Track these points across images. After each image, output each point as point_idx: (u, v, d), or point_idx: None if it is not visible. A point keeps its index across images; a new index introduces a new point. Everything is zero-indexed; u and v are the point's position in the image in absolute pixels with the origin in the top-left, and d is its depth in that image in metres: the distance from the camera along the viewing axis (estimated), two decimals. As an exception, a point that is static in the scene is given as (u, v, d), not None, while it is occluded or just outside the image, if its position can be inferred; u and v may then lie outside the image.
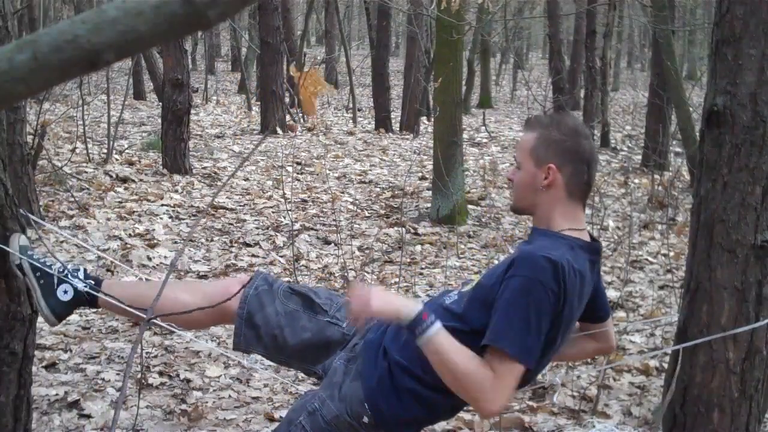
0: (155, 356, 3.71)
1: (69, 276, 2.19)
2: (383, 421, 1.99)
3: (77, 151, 7.74)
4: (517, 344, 1.83)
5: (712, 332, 1.99)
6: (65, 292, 2.17)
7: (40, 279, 2.15)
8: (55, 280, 2.17)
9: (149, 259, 5.08)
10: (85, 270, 2.25)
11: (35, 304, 2.11)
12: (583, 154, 2.01)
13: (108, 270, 4.78)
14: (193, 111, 8.95)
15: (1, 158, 2.08)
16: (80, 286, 2.19)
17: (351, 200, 7.23)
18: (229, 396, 3.38)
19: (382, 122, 12.14)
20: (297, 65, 13.77)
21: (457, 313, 1.98)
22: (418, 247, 5.86)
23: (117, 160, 7.81)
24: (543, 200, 2.02)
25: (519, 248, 1.98)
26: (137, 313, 2.17)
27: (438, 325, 1.86)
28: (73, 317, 4.07)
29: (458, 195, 6.56)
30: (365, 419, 1.99)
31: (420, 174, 8.53)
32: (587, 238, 2.03)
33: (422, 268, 5.38)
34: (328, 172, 8.31)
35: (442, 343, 1.85)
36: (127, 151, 8.47)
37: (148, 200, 6.55)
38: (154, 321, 2.25)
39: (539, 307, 1.83)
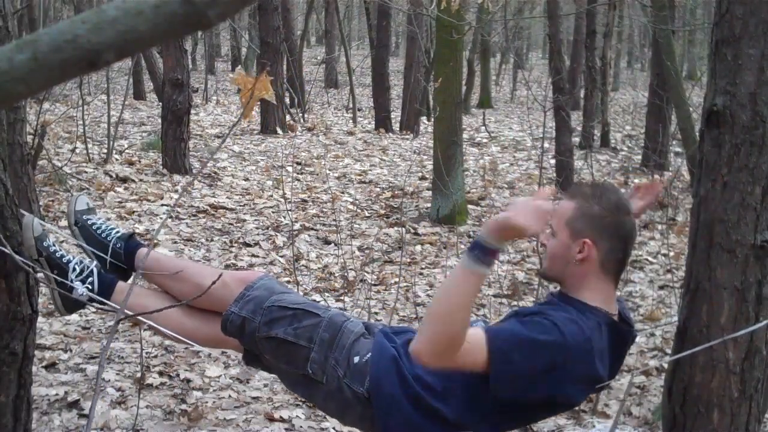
0: (155, 356, 3.71)
1: (75, 278, 2.28)
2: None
3: (77, 151, 7.74)
4: (499, 334, 1.83)
5: (712, 332, 1.99)
6: (81, 294, 2.27)
7: (54, 270, 2.28)
8: (70, 277, 2.28)
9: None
10: (98, 270, 2.34)
11: (36, 304, 2.12)
12: (622, 232, 1.96)
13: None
14: (193, 111, 8.94)
15: (1, 158, 2.08)
16: (79, 291, 2.26)
17: (351, 200, 7.23)
18: (229, 396, 3.38)
19: (382, 122, 12.13)
20: (297, 65, 13.77)
21: None
22: (418, 247, 5.86)
23: (117, 160, 7.81)
24: (574, 273, 1.97)
25: (556, 308, 1.94)
26: (151, 318, 2.20)
27: (478, 268, 1.76)
28: (73, 317, 4.07)
29: (458, 195, 6.56)
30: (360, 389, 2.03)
31: (420, 174, 8.53)
32: (616, 316, 1.99)
33: (422, 268, 5.38)
34: (328, 172, 8.31)
35: (466, 281, 1.78)
36: (127, 151, 8.46)
37: (148, 200, 6.55)
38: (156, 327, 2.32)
39: (545, 345, 1.82)
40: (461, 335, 1.76)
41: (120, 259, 2.43)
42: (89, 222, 2.44)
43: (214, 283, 1.66)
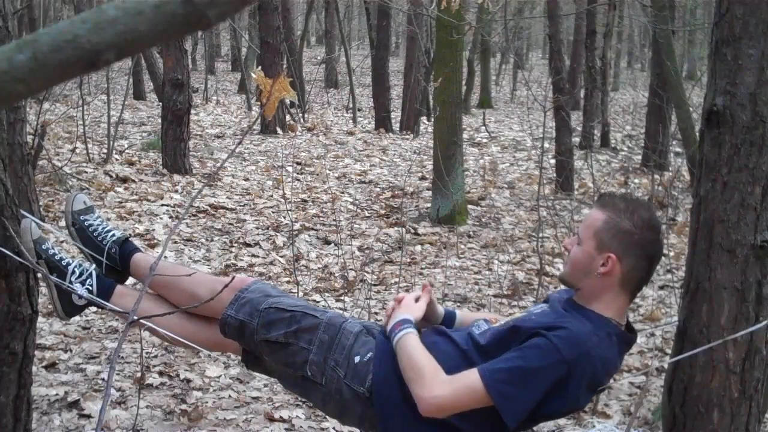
0: (155, 356, 3.70)
1: (75, 281, 2.29)
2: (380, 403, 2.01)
3: (77, 151, 7.74)
4: (495, 375, 1.84)
5: (712, 332, 1.99)
6: (80, 297, 2.29)
7: (53, 273, 2.28)
8: (70, 279, 2.29)
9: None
10: (97, 273, 2.35)
11: (35, 304, 2.12)
12: (649, 251, 1.93)
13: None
14: (193, 111, 8.94)
15: (1, 158, 2.08)
16: (79, 291, 2.27)
17: (351, 200, 7.23)
18: (229, 396, 3.38)
19: (382, 122, 12.13)
20: (296, 64, 13.77)
21: (480, 344, 2.00)
22: (418, 247, 5.86)
23: (117, 160, 7.81)
24: (593, 284, 1.95)
25: (562, 319, 1.93)
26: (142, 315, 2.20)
27: (405, 332, 1.99)
28: (74, 317, 4.07)
29: (458, 195, 6.56)
30: (361, 390, 2.04)
31: (420, 174, 8.53)
32: (624, 326, 1.99)
33: (422, 268, 5.38)
34: (328, 172, 8.31)
35: (406, 343, 1.96)
36: (127, 151, 8.46)
37: (148, 200, 6.55)
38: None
39: (543, 369, 1.83)
40: (427, 370, 1.91)
41: (116, 263, 2.44)
42: (86, 223, 2.44)
43: (212, 298, 1.66)
